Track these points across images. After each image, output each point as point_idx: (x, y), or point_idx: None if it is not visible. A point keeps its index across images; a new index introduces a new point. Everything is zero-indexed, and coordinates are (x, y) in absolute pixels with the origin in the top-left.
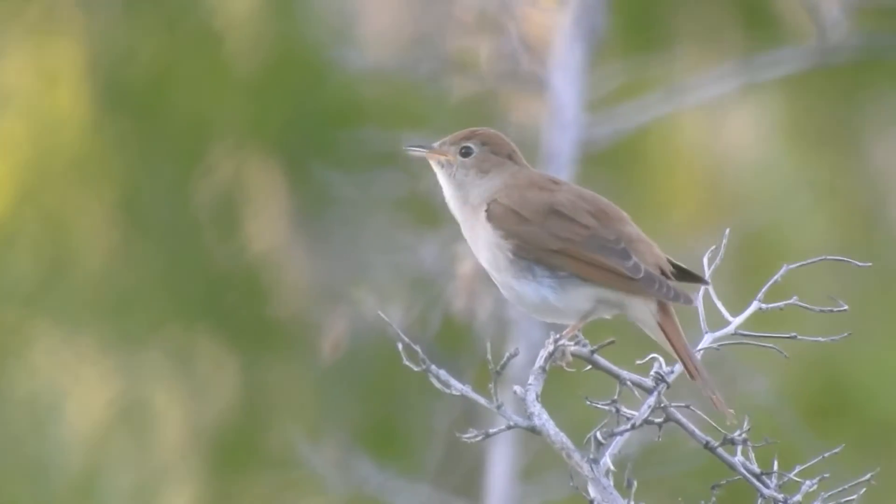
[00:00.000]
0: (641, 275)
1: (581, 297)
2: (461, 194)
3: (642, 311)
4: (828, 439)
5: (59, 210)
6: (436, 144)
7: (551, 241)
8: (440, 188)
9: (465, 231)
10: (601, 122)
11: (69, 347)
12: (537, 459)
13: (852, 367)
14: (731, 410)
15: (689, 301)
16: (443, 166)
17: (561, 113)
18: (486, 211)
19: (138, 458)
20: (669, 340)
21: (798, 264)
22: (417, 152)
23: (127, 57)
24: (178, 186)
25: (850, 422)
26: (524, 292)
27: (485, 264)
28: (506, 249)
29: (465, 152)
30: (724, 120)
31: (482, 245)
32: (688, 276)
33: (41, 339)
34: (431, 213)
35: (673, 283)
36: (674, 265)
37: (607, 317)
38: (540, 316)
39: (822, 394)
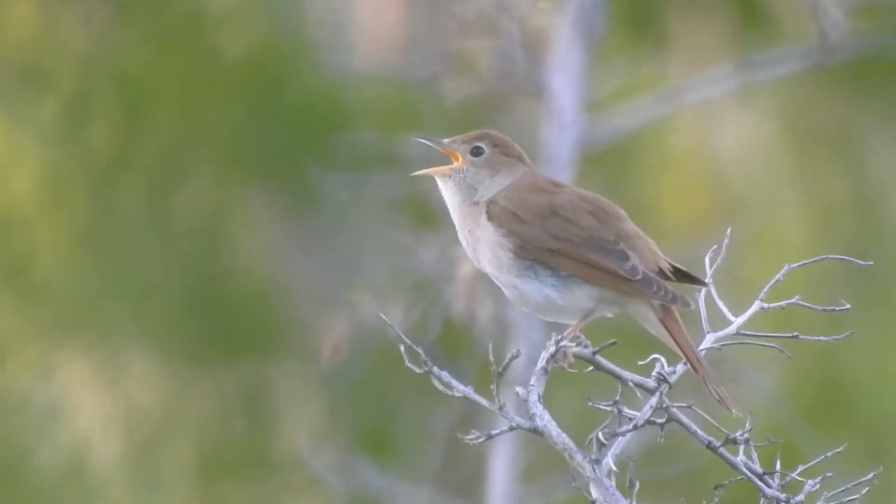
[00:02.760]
0: (639, 276)
1: (583, 296)
2: (468, 195)
3: (644, 308)
4: (830, 439)
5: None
6: (446, 141)
7: (550, 241)
8: (440, 194)
9: (464, 236)
10: (600, 123)
11: (63, 351)
12: (538, 461)
13: (852, 367)
14: (736, 406)
15: (686, 304)
16: (449, 177)
17: (560, 114)
18: (487, 212)
19: (137, 460)
20: (672, 336)
21: (799, 263)
22: (429, 143)
23: (116, 51)
24: (174, 190)
25: (852, 421)
26: (527, 291)
27: (487, 266)
28: (507, 248)
29: (477, 151)
30: (723, 120)
31: (484, 246)
32: (686, 277)
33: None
34: (430, 215)
35: (671, 286)
36: (673, 266)
37: (609, 315)
38: (543, 315)
39: (823, 393)
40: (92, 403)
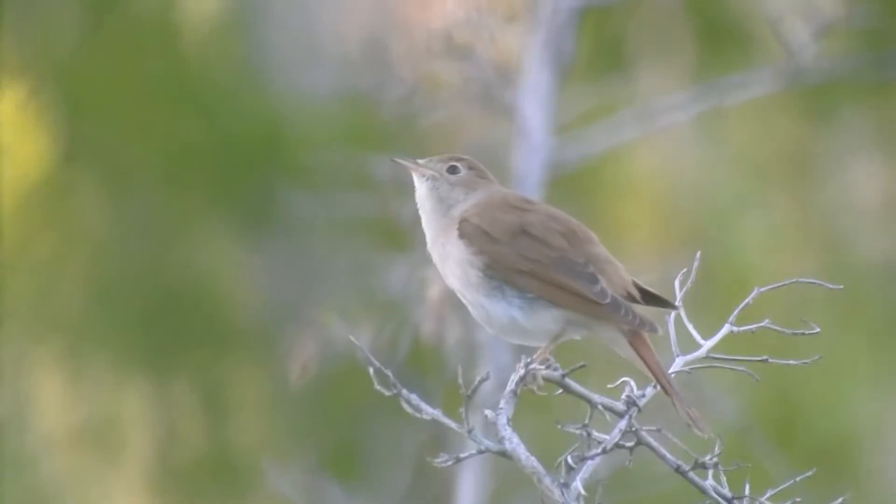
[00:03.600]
0: (608, 300)
1: (549, 319)
2: (442, 208)
3: (613, 331)
4: (799, 462)
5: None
6: (421, 161)
7: (520, 261)
8: (413, 206)
9: (435, 251)
10: (569, 146)
11: (31, 365)
12: (506, 484)
13: (817, 390)
14: (707, 428)
15: (654, 329)
16: (428, 179)
17: (529, 136)
18: (458, 229)
19: (101, 480)
20: (642, 358)
21: (769, 287)
22: (404, 164)
23: (81, 58)
24: (140, 204)
25: (821, 444)
26: (494, 312)
27: (455, 283)
28: (476, 267)
29: (453, 170)
30: (690, 143)
31: (453, 263)
32: (655, 299)
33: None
34: (400, 237)
35: (639, 310)
36: (642, 290)
37: (577, 337)
38: (509, 337)
39: (790, 416)
40: (57, 418)
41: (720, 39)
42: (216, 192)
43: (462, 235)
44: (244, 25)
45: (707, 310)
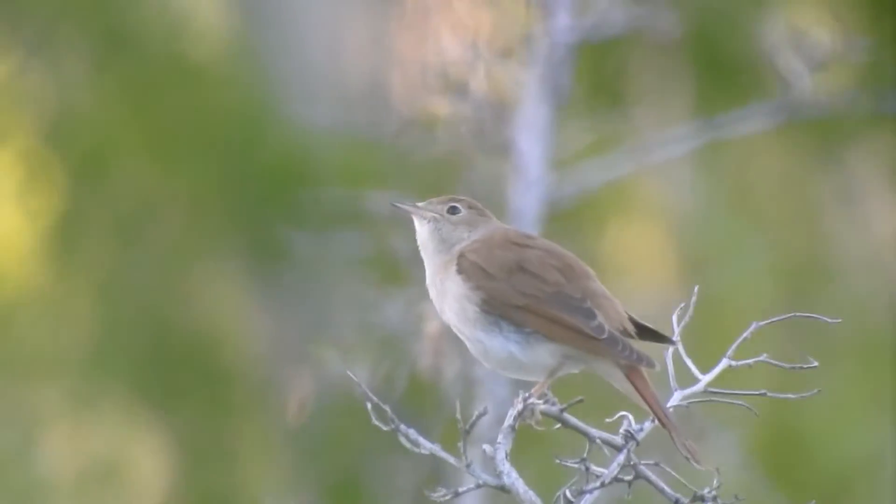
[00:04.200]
0: (605, 335)
1: (546, 353)
2: (444, 247)
3: (610, 365)
4: (797, 495)
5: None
6: (421, 205)
7: (516, 297)
8: (410, 242)
9: (433, 287)
10: (566, 181)
11: (34, 403)
12: None
13: (815, 423)
14: (704, 461)
15: (651, 365)
16: (430, 221)
17: (526, 172)
18: (457, 265)
19: None
20: (638, 392)
21: (766, 322)
22: (405, 209)
23: (80, 101)
24: (140, 241)
25: (818, 477)
26: (492, 346)
27: (453, 318)
28: (474, 302)
29: (453, 211)
30: (687, 178)
31: (451, 298)
32: (653, 334)
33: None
34: (397, 272)
35: (636, 346)
36: (638, 324)
37: (575, 371)
38: (506, 371)
39: (788, 450)
40: (60, 455)
41: (719, 75)
42: (219, 233)
43: (460, 271)
44: (249, 62)
45: (706, 343)
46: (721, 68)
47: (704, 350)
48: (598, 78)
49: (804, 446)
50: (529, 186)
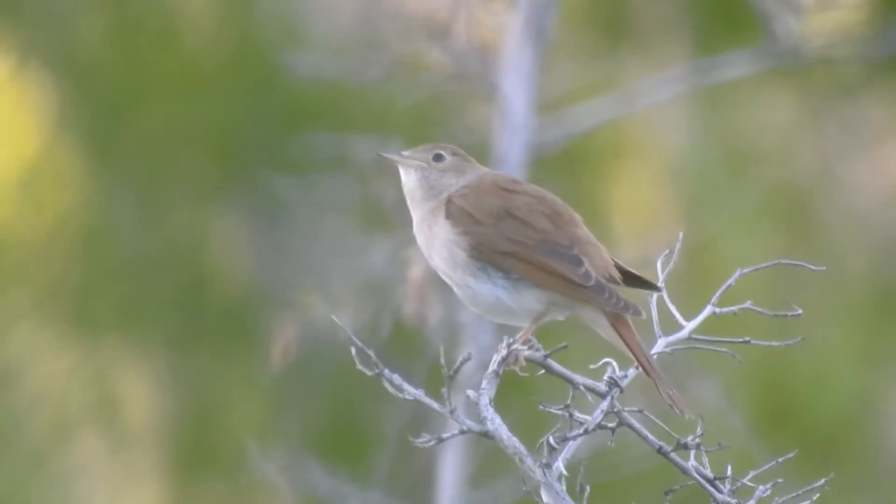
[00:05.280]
0: (592, 283)
1: (533, 299)
2: (432, 195)
3: (595, 312)
4: (781, 444)
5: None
6: (406, 153)
7: (504, 243)
8: (395, 188)
9: (421, 233)
10: (551, 126)
11: (30, 340)
12: (487, 464)
13: (801, 372)
14: (688, 409)
15: (637, 313)
16: (416, 169)
17: (511, 116)
18: (445, 210)
19: (76, 465)
20: (623, 339)
21: (750, 269)
22: (391, 158)
23: (88, 65)
24: (140, 192)
25: (803, 426)
26: (480, 291)
27: (441, 264)
28: (462, 247)
29: (439, 158)
30: (674, 122)
31: (440, 243)
32: (639, 281)
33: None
34: (382, 218)
35: (622, 293)
36: (624, 271)
37: (561, 318)
38: (493, 316)
39: (773, 398)
40: (53, 389)
41: (716, 18)
42: (205, 177)
43: (448, 216)
44: (237, 8)
45: (699, 289)
46: (719, 12)
47: (698, 296)
48: (583, 20)
49: (793, 396)
50: (514, 131)
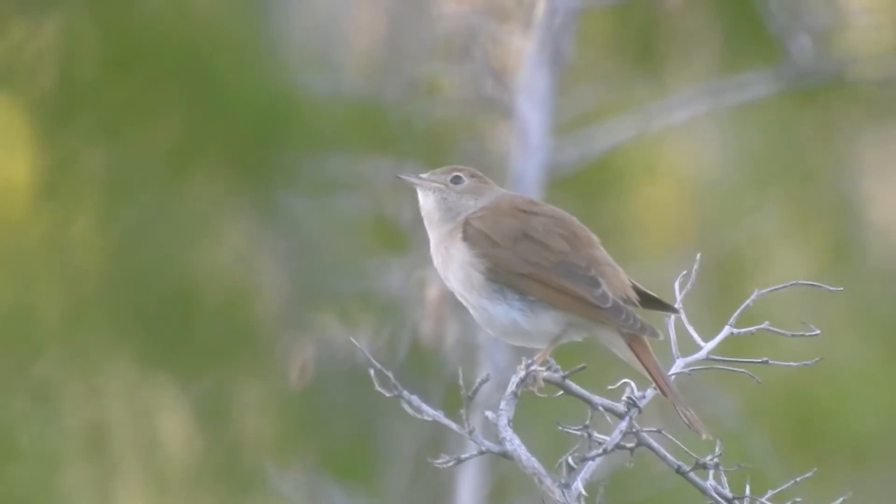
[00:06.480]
0: (609, 304)
1: (550, 321)
2: (450, 217)
3: (612, 333)
4: (799, 463)
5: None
6: (425, 176)
7: (521, 265)
8: (412, 207)
9: (438, 254)
10: (567, 147)
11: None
12: (504, 484)
13: (823, 392)
14: (705, 430)
15: (654, 334)
16: (434, 192)
17: (527, 137)
18: (462, 232)
19: (100, 480)
20: (640, 360)
21: (769, 289)
22: (410, 181)
23: (99, 80)
24: (155, 210)
25: (821, 445)
26: (496, 314)
27: (458, 286)
28: (479, 270)
29: (457, 180)
30: (693, 143)
31: (456, 265)
32: (656, 302)
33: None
34: (398, 238)
35: (639, 315)
36: (642, 292)
37: (578, 339)
38: (509, 339)
39: (792, 417)
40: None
41: (724, 39)
42: (222, 196)
43: (465, 238)
44: (254, 26)
45: (713, 310)
46: (737, 32)
47: (718, 317)
48: (610, 42)
49: (817, 417)
50: (531, 152)
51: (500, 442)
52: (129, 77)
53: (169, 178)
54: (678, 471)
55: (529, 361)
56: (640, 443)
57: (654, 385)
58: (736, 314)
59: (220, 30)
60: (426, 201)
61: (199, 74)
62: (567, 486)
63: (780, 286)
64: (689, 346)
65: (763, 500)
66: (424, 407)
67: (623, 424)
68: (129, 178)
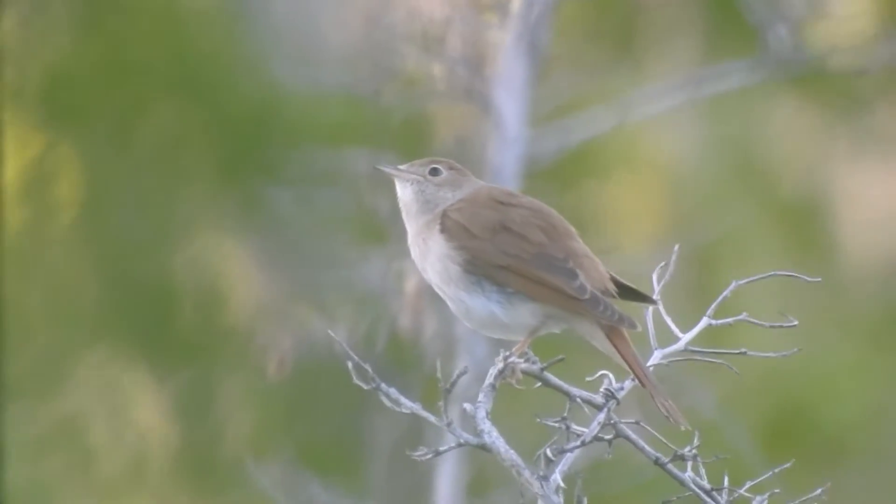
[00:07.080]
0: (587, 296)
1: (527, 313)
2: (428, 209)
3: (591, 325)
4: (778, 454)
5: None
6: (403, 167)
7: (499, 257)
8: (390, 203)
9: (416, 246)
10: (545, 138)
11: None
12: (483, 476)
13: (801, 383)
14: (684, 421)
15: (632, 325)
16: (413, 183)
17: (505, 128)
18: (440, 224)
19: (79, 476)
20: (618, 351)
21: (746, 280)
22: (388, 172)
23: (83, 74)
24: (134, 204)
25: (800, 437)
26: (473, 306)
27: (435, 278)
28: (457, 262)
29: (435, 172)
30: (671, 134)
31: (434, 258)
32: (635, 294)
33: None
34: (377, 231)
35: (617, 306)
36: (620, 284)
37: (556, 331)
38: (487, 331)
39: (771, 409)
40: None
41: (701, 30)
42: (200, 189)
43: (443, 230)
44: (232, 20)
45: (691, 302)
46: (716, 23)
47: (697, 308)
48: (578, 32)
49: (796, 408)
50: (508, 143)
51: (479, 434)
52: (111, 73)
53: (150, 173)
54: (656, 462)
55: (507, 353)
56: (619, 434)
57: (632, 376)
58: (714, 305)
59: (203, 27)
60: (404, 193)
61: (182, 71)
62: (545, 478)
63: (758, 277)
64: (667, 338)
65: (741, 491)
66: (402, 399)
67: (601, 416)
68: (109, 172)
